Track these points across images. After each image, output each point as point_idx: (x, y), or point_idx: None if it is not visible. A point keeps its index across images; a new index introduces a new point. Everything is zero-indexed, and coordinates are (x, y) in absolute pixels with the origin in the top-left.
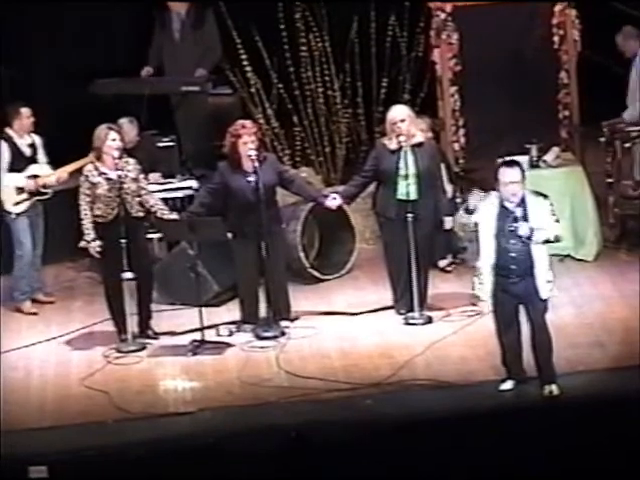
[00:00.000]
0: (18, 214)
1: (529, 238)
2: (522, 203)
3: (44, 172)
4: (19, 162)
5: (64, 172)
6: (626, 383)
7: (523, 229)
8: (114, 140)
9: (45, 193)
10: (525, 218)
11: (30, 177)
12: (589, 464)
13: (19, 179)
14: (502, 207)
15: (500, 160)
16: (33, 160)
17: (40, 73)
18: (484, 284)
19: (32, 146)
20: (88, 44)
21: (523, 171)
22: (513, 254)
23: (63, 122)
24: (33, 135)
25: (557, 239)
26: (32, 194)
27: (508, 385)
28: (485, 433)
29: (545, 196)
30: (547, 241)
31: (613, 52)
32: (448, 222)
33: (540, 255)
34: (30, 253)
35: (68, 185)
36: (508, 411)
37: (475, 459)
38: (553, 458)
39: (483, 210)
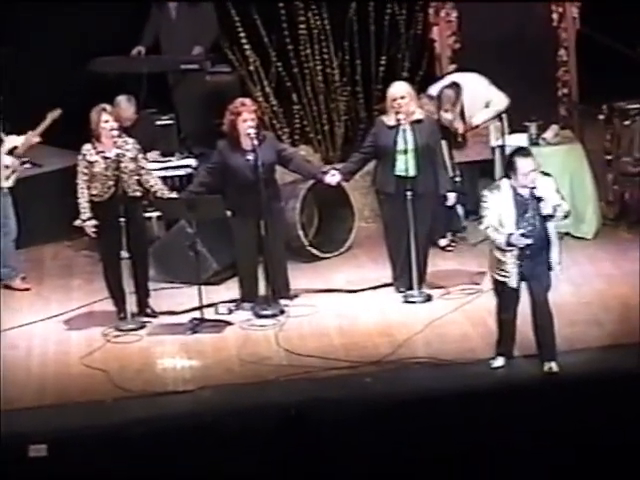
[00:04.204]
0: (7, 189)
1: (552, 216)
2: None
3: (18, 142)
4: None
5: (33, 135)
6: (624, 361)
7: (547, 208)
8: (107, 122)
9: (24, 162)
10: (540, 198)
11: (10, 151)
12: (587, 441)
13: (8, 156)
14: (516, 194)
15: (510, 151)
16: None
17: (39, 52)
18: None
19: None
20: (87, 23)
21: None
22: (529, 240)
23: (63, 100)
24: None
25: (568, 214)
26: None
27: (500, 362)
28: (484, 411)
29: (548, 174)
30: (565, 216)
31: (612, 29)
32: (451, 198)
33: (554, 237)
34: (15, 229)
35: (65, 164)
36: (507, 389)
37: (474, 437)
38: (551, 435)
39: (500, 202)
